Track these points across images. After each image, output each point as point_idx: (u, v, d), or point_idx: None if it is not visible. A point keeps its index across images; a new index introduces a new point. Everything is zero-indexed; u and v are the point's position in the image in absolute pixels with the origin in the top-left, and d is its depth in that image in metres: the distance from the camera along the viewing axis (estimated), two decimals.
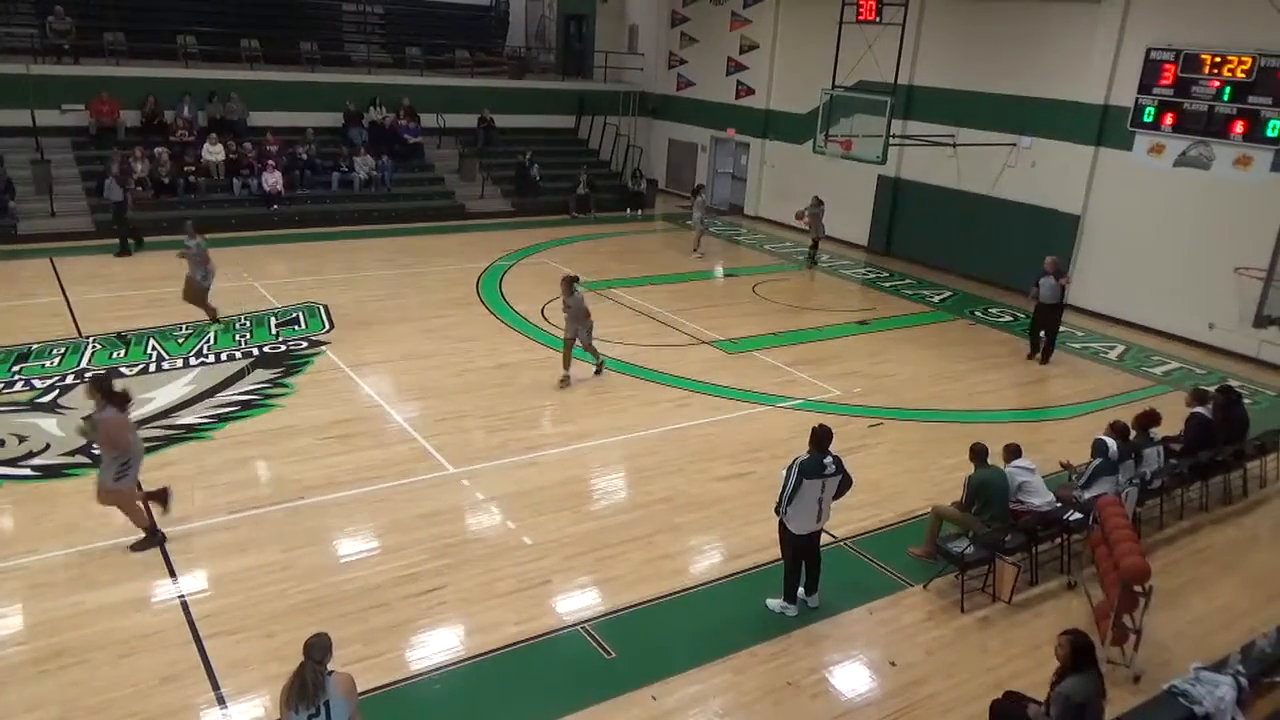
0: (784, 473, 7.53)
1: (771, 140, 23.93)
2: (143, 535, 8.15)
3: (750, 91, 24.32)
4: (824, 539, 8.62)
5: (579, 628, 7.47)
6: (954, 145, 18.95)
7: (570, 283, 12.26)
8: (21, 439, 9.92)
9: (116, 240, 17.26)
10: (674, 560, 8.52)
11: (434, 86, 24.30)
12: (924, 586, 8.27)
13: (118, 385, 8.15)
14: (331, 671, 5.04)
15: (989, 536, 8.15)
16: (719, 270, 17.81)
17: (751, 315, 16.13)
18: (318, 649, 4.99)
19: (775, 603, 7.82)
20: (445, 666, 6.95)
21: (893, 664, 7.28)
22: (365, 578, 7.91)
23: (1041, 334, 14.45)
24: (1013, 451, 8.84)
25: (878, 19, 17.36)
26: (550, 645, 7.26)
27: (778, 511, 7.57)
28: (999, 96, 18.42)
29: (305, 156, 21.06)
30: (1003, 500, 8.40)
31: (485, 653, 7.10)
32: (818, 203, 19.75)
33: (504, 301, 15.90)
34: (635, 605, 7.79)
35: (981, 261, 19.03)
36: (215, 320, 13.74)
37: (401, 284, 16.61)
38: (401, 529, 8.70)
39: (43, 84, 19.24)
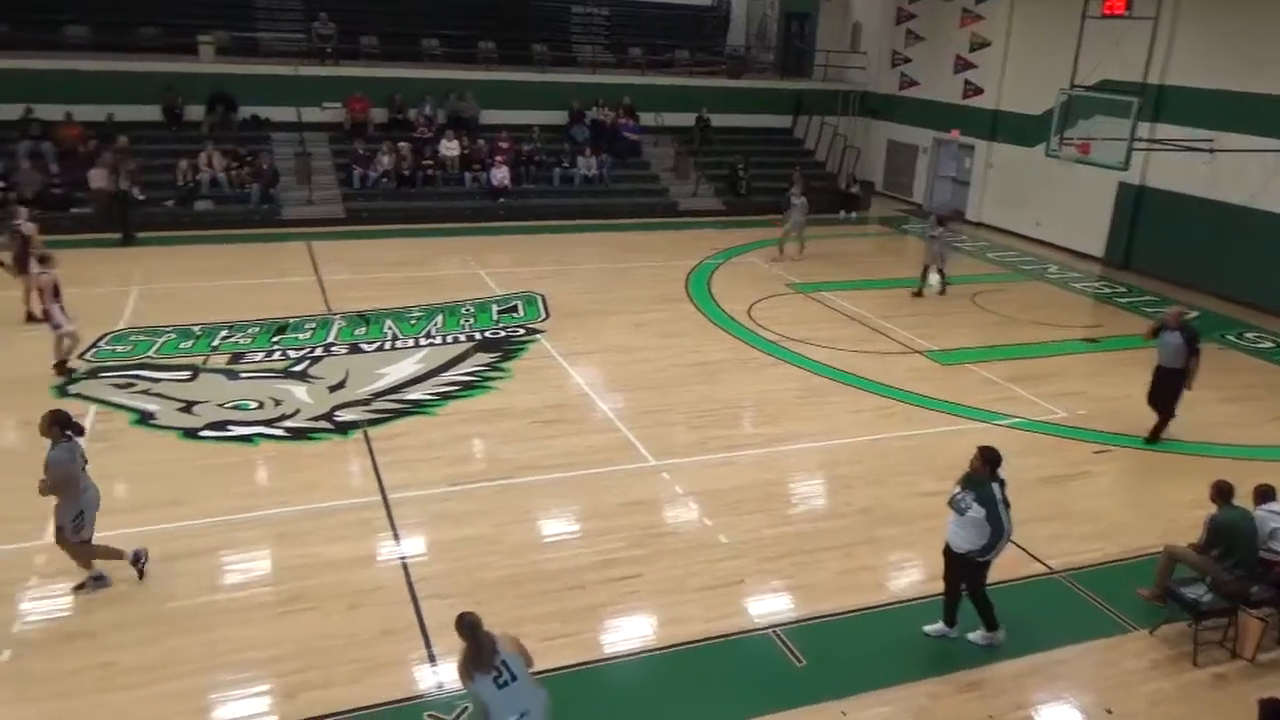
0: (979, 512, 6.94)
1: (999, 142, 22.69)
2: (88, 578, 7.31)
3: (979, 91, 23.15)
4: (1038, 568, 8.20)
5: (770, 631, 7.43)
6: (1211, 151, 17.19)
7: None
8: (278, 402, 11.07)
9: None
10: (873, 573, 8.30)
11: (654, 85, 24.85)
12: (1150, 632, 7.60)
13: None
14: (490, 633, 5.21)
15: (1232, 585, 7.37)
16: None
17: (966, 326, 15.38)
18: (474, 619, 5.14)
19: (978, 635, 7.39)
20: (635, 653, 7.12)
21: (1109, 711, 6.74)
22: (565, 558, 8.24)
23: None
24: (1264, 494, 7.92)
25: (1127, 12, 16.07)
26: (739, 645, 7.27)
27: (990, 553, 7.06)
28: (1268, 97, 16.52)
29: (531, 154, 22.11)
30: (1250, 547, 7.55)
31: (674, 645, 7.21)
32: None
33: (712, 300, 16.02)
34: (830, 615, 7.66)
35: (1237, 280, 17.16)
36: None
37: (613, 278, 17.11)
38: (601, 515, 8.99)
39: (306, 84, 21.34)
